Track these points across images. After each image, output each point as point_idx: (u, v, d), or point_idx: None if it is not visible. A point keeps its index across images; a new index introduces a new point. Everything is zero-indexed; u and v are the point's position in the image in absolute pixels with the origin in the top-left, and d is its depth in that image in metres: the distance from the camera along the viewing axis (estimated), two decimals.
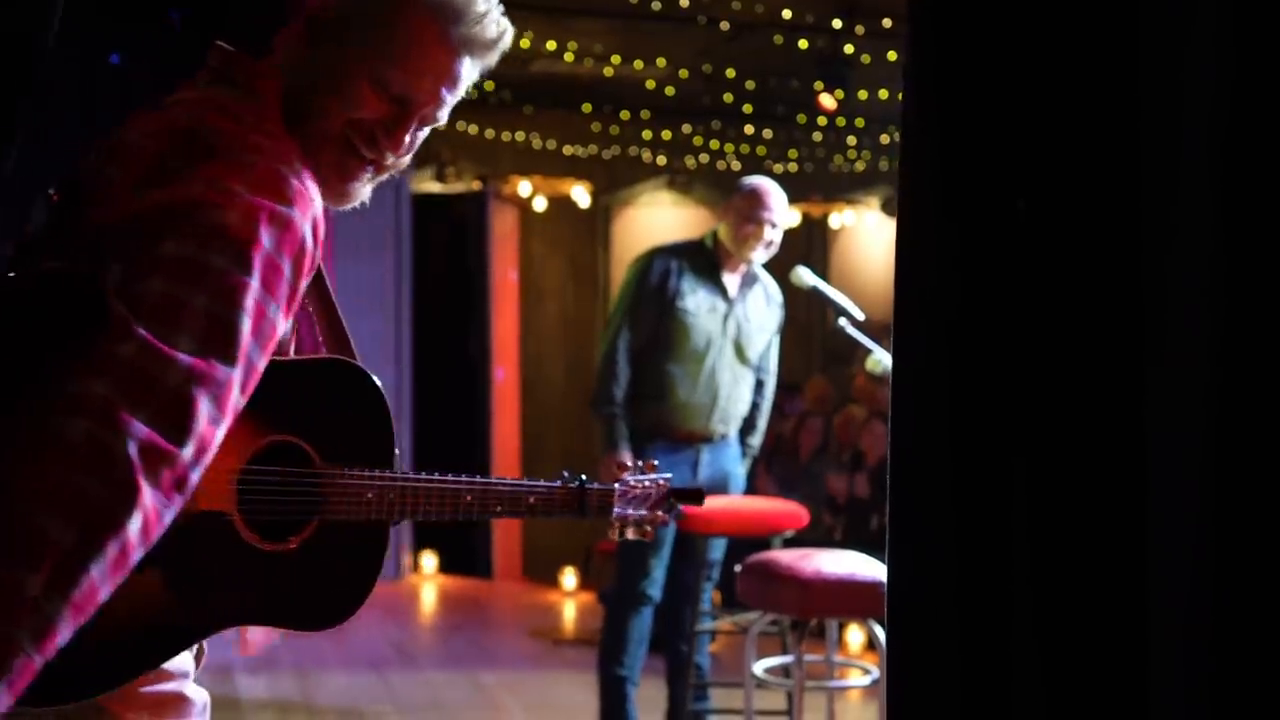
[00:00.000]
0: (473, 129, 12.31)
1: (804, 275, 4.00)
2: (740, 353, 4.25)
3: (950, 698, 1.88)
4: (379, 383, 1.63)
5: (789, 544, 4.04)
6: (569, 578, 6.94)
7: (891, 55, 8.81)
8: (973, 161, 1.72)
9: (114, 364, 1.26)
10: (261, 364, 1.38)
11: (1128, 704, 1.71)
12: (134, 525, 1.24)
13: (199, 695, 1.62)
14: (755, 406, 4.39)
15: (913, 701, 1.92)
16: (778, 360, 4.47)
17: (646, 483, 1.95)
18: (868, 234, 13.47)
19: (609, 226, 13.40)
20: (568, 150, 12.74)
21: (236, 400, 1.35)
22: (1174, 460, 1.62)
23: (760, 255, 4.19)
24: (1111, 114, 1.65)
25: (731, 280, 4.24)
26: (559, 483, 1.83)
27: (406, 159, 1.61)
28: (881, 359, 3.46)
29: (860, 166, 13.24)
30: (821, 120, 11.05)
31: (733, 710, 4.16)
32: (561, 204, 12.81)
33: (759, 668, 3.35)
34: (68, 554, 1.21)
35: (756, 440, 4.47)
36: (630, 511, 1.92)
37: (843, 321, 3.95)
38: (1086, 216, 1.66)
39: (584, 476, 1.86)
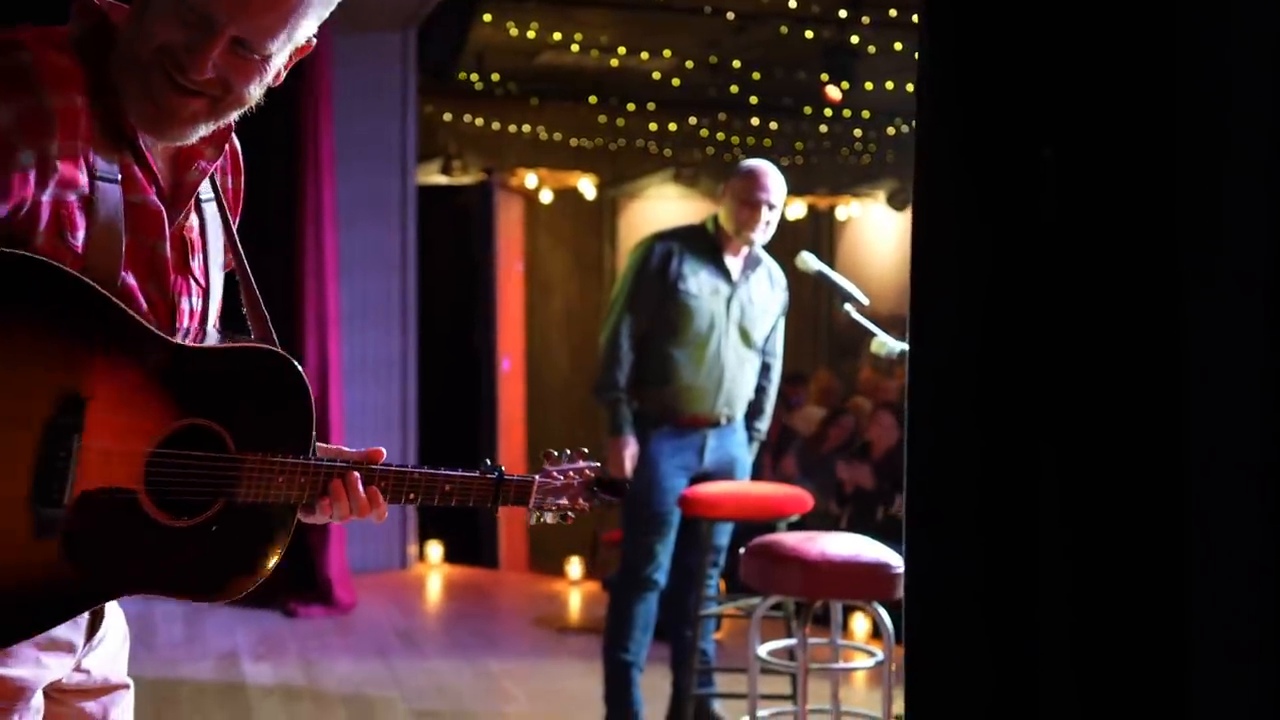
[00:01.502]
0: (479, 121, 12.32)
1: (809, 260, 4.00)
2: (744, 335, 4.25)
3: (975, 698, 1.84)
4: (301, 370, 1.66)
5: (794, 529, 4.04)
6: (574, 567, 6.94)
7: (898, 45, 8.79)
8: (994, 106, 1.58)
9: None
10: None
11: (1166, 705, 1.65)
12: None
13: (33, 678, 1.59)
14: (761, 390, 4.39)
15: (935, 700, 1.88)
16: (783, 344, 4.47)
17: (571, 472, 1.98)
18: (874, 226, 13.47)
19: (615, 219, 13.41)
20: (574, 142, 12.74)
21: None
22: (1218, 445, 1.52)
23: (760, 236, 4.19)
24: (1145, 47, 1.50)
25: (734, 263, 4.24)
26: (477, 472, 1.86)
27: (251, 90, 1.57)
28: (886, 341, 3.45)
29: (866, 160, 13.24)
30: (828, 112, 11.03)
31: (737, 694, 4.16)
32: (567, 196, 12.81)
33: (763, 650, 3.35)
34: None
35: (764, 425, 4.46)
36: (549, 500, 1.96)
37: (847, 307, 3.95)
38: (1119, 165, 1.51)
39: (502, 468, 1.88)
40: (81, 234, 1.52)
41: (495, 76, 11.20)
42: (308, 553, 6.18)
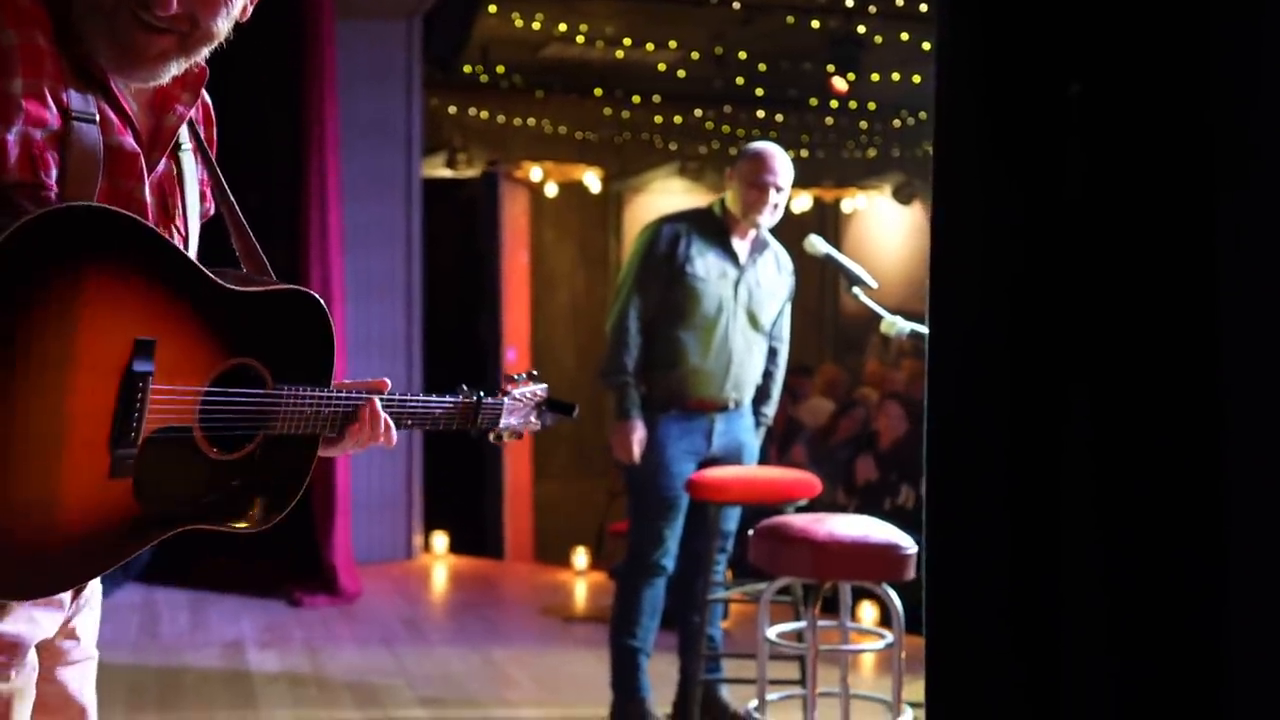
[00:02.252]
0: (484, 114, 12.28)
1: (817, 243, 3.97)
2: (752, 319, 4.22)
3: (999, 684, 1.79)
4: (326, 308, 1.78)
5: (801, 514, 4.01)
6: (580, 557, 6.92)
7: (904, 35, 8.77)
8: (1018, 40, 1.49)
9: None
10: None
11: (1203, 680, 1.58)
12: None
13: (28, 634, 1.61)
14: (769, 375, 4.36)
15: (956, 687, 1.83)
16: (790, 330, 4.44)
17: (527, 394, 2.22)
18: (880, 219, 13.45)
19: (620, 213, 13.38)
20: (579, 135, 12.71)
21: None
22: (1257, 428, 1.46)
23: (768, 219, 4.15)
24: None
25: (741, 246, 4.21)
26: (460, 397, 2.08)
27: (218, 24, 1.57)
28: (896, 321, 3.43)
29: (872, 153, 13.21)
30: (834, 103, 11.00)
31: (744, 679, 4.14)
32: (573, 190, 12.78)
33: (772, 633, 3.32)
34: None
35: (770, 409, 4.43)
36: (512, 421, 2.20)
37: (855, 290, 3.92)
38: (1150, 101, 1.42)
39: (481, 393, 2.10)
40: (55, 172, 1.50)
41: (500, 69, 11.18)
42: (312, 542, 6.16)
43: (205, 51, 1.60)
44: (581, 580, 6.74)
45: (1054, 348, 1.60)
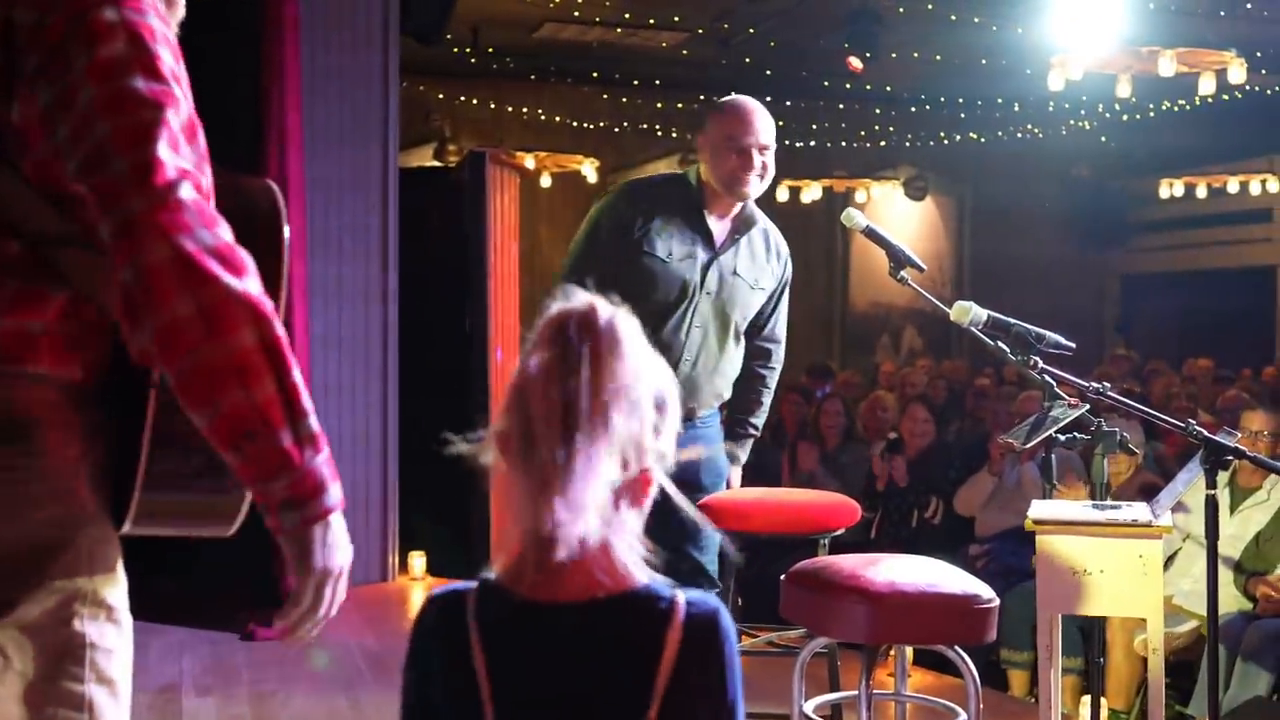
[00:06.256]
0: (474, 100, 11.60)
1: (856, 217, 3.30)
2: (721, 314, 3.46)
3: None
4: None
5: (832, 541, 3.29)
6: None
7: (930, 6, 8.07)
8: None
9: None
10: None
11: None
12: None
13: None
14: (758, 378, 3.60)
15: None
16: (786, 326, 3.68)
17: None
18: (892, 211, 12.96)
19: None
20: (575, 123, 12.02)
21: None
22: None
23: (755, 189, 3.41)
24: None
25: (718, 225, 3.46)
26: None
27: None
28: (970, 309, 2.73)
29: (884, 143, 12.59)
30: (848, 85, 10.33)
31: None
32: (568, 181, 12.07)
33: (809, 706, 2.60)
34: None
35: (759, 419, 3.64)
36: None
37: (903, 274, 3.28)
38: None
39: None
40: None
41: (490, 50, 10.48)
42: (270, 565, 5.44)
43: None
44: None
45: None
